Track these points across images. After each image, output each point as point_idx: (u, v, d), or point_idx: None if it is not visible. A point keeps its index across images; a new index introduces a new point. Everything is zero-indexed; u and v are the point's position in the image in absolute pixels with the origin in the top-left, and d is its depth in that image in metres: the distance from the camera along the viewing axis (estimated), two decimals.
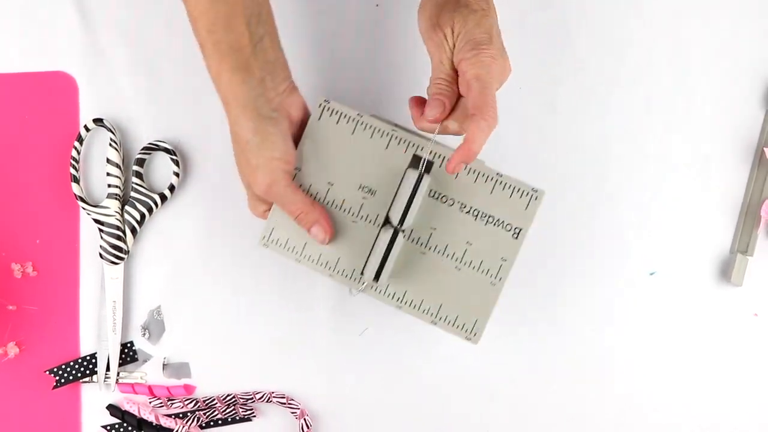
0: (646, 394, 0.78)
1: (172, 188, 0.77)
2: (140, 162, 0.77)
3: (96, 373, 0.76)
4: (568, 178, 0.79)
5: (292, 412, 0.76)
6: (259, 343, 0.77)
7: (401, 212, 0.66)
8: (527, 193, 0.68)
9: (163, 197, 0.77)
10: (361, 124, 0.68)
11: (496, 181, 0.68)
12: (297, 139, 0.68)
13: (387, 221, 0.68)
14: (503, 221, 0.68)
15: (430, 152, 0.68)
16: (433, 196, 0.68)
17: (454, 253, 0.68)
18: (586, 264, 0.78)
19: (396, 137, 0.68)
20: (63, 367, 0.76)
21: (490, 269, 0.68)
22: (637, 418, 0.77)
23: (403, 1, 0.79)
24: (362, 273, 0.68)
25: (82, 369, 0.76)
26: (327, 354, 0.77)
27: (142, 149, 0.77)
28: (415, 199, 0.66)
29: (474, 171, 0.68)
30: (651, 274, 0.78)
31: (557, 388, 0.77)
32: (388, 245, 0.67)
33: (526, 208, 0.68)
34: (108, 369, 0.76)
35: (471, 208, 0.69)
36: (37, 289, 0.77)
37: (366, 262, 0.68)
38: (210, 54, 0.63)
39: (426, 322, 0.69)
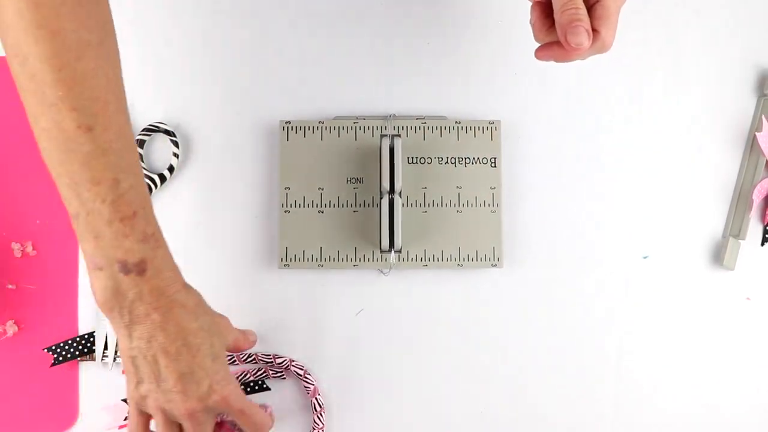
0: (639, 378, 0.78)
1: (171, 169, 0.78)
2: (140, 143, 0.78)
3: (94, 351, 0.77)
4: (561, 164, 0.79)
5: (306, 387, 0.75)
6: (256, 324, 0.77)
7: (389, 180, 0.73)
8: (487, 128, 0.77)
9: (163, 178, 0.78)
10: (326, 128, 0.77)
11: (458, 128, 0.77)
12: None
13: (381, 195, 0.74)
14: (478, 157, 0.77)
15: (394, 127, 0.77)
16: (411, 161, 0.77)
17: (450, 201, 0.76)
18: (579, 248, 0.79)
19: (360, 127, 0.77)
20: (61, 345, 0.77)
21: (486, 200, 0.76)
22: (630, 401, 0.78)
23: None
24: (381, 250, 0.74)
25: (80, 347, 0.77)
26: (325, 333, 0.77)
27: (142, 130, 0.78)
28: (396, 162, 0.74)
29: (437, 127, 0.77)
30: (644, 257, 0.79)
31: (550, 371, 0.78)
32: (390, 212, 0.73)
33: (492, 139, 0.77)
34: (106, 347, 0.77)
35: (447, 157, 0.77)
36: (37, 268, 0.78)
37: (380, 237, 0.74)
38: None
39: (453, 269, 0.76)
